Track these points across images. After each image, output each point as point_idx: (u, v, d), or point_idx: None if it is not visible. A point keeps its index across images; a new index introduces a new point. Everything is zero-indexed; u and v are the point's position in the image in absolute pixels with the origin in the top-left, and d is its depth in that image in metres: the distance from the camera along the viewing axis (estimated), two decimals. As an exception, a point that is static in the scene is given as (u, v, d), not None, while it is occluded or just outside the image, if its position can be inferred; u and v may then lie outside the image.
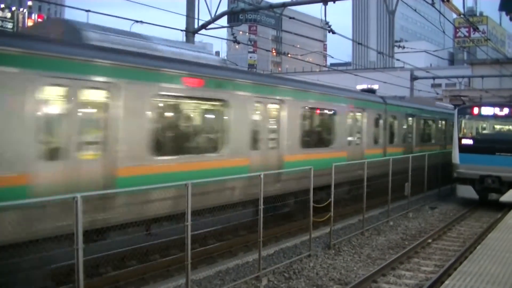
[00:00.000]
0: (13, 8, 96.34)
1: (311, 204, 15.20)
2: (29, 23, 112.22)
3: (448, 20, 27.69)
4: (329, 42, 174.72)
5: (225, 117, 15.02)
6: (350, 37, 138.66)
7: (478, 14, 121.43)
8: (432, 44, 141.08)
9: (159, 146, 12.85)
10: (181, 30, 22.88)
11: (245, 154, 15.48)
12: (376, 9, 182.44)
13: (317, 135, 20.99)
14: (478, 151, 24.76)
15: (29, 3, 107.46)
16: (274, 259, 14.69)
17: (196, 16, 22.88)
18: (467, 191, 25.00)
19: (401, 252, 15.74)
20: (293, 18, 22.16)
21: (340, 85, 26.07)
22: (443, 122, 33.12)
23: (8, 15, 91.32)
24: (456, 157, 25.35)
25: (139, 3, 20.91)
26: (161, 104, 13.35)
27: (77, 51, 11.18)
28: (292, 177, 17.18)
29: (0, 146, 9.61)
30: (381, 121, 25.18)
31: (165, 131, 13.78)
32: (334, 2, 21.31)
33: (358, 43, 38.79)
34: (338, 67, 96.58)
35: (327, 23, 22.14)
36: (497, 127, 27.80)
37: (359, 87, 30.03)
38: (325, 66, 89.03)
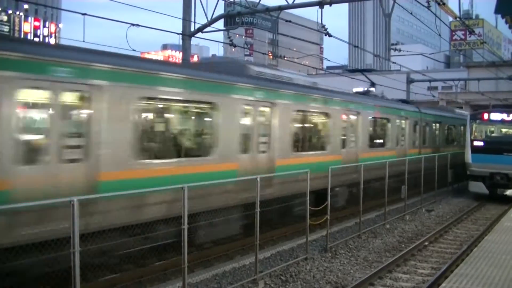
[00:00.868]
0: (9, 11, 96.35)
1: (308, 207, 15.19)
2: (25, 26, 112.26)
3: (444, 23, 27.78)
4: (326, 45, 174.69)
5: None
6: (347, 40, 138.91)
7: (474, 17, 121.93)
8: (428, 47, 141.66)
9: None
10: (178, 34, 22.91)
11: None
12: (373, 12, 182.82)
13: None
14: (488, 152, 28.11)
15: (26, 6, 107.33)
16: (271, 262, 14.68)
17: (192, 19, 22.88)
18: (478, 187, 28.29)
19: (398, 255, 15.74)
20: (290, 21, 22.20)
21: (338, 88, 26.27)
22: (462, 127, 36.27)
23: (5, 18, 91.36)
24: (468, 157, 28.66)
25: (135, 6, 20.96)
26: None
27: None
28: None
29: None
30: (417, 127, 30.06)
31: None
32: (330, 5, 21.31)
33: (355, 46, 38.85)
34: (334, 70, 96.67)
35: (323, 26, 22.11)
36: (504, 130, 31.04)
37: (355, 89, 30.11)
38: (321, 69, 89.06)
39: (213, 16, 23.54)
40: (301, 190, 15.96)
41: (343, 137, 21.78)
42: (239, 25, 33.29)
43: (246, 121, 16.19)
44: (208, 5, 23.77)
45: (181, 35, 23.15)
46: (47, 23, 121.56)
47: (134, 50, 19.74)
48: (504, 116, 29.17)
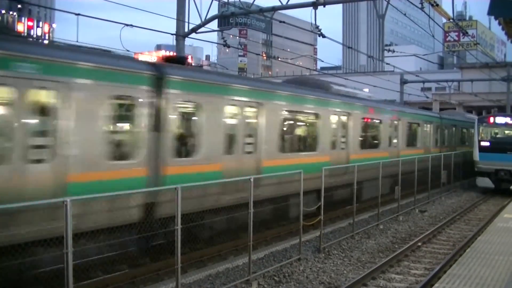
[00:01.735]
0: (3, 12, 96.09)
1: (301, 208, 15.20)
2: (19, 26, 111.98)
3: (438, 24, 27.89)
4: (319, 46, 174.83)
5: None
6: (340, 41, 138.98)
7: (467, 18, 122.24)
8: (422, 48, 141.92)
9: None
10: (171, 34, 22.91)
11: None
12: (366, 13, 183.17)
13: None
14: (493, 151, 32.09)
15: (19, 6, 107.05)
16: (264, 262, 14.68)
17: (186, 20, 22.88)
18: (485, 182, 32.29)
19: (391, 256, 15.75)
20: (283, 22, 22.21)
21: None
22: (472, 130, 38.58)
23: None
24: (476, 155, 32.69)
25: (129, 7, 20.94)
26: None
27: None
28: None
29: None
30: (439, 130, 35.53)
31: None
32: (324, 6, 21.35)
33: (348, 47, 38.95)
34: (328, 71, 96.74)
35: (317, 27, 22.16)
36: (508, 132, 34.56)
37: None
38: (315, 70, 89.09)
39: (207, 17, 23.57)
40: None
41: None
42: (233, 25, 33.23)
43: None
44: (202, 5, 23.79)
45: (175, 36, 23.15)
46: (40, 23, 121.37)
47: (128, 51, 19.72)
48: (507, 119, 33.63)
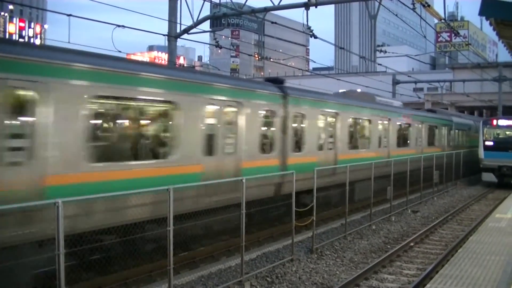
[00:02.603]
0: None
1: (293, 208, 15.20)
2: (10, 27, 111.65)
3: (429, 25, 28.00)
4: (312, 46, 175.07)
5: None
6: (333, 41, 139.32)
7: (459, 18, 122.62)
8: (414, 48, 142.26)
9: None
10: (163, 35, 22.88)
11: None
12: (358, 14, 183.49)
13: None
14: (497, 149, 36.36)
15: (10, 7, 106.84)
16: (257, 263, 14.68)
17: (178, 21, 22.86)
18: (489, 177, 36.89)
19: (383, 256, 15.78)
20: (275, 23, 22.21)
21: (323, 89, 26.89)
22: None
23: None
24: (481, 153, 36.98)
25: (121, 8, 20.90)
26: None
27: None
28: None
29: None
30: (452, 132, 40.08)
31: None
32: (316, 7, 21.38)
33: (340, 48, 38.96)
34: (320, 71, 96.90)
35: (309, 27, 22.20)
36: (509, 133, 38.84)
37: (341, 91, 30.33)
38: (307, 71, 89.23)
39: (199, 18, 23.57)
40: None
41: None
42: (225, 26, 33.23)
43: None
44: (194, 6, 23.79)
45: (167, 37, 23.13)
46: (32, 24, 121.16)
47: (120, 52, 19.66)
48: (509, 122, 38.09)
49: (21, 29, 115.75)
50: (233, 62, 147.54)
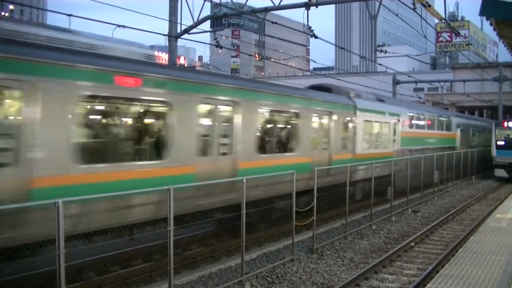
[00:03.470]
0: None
1: (294, 208, 15.20)
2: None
3: (430, 25, 27.99)
4: (312, 46, 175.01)
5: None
6: (333, 41, 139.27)
7: (459, 18, 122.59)
8: (414, 48, 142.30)
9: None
10: (164, 35, 22.88)
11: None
12: (359, 14, 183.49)
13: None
14: (508, 148, 40.96)
15: (11, 7, 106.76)
16: (257, 263, 14.68)
17: (178, 21, 22.86)
18: (501, 172, 41.45)
19: (384, 256, 15.77)
20: (276, 22, 22.20)
21: None
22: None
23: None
24: (494, 151, 41.78)
25: (121, 8, 20.89)
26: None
27: None
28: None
29: None
30: (470, 133, 45.86)
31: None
32: (316, 7, 21.38)
33: (341, 48, 38.96)
34: (320, 72, 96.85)
35: (309, 27, 22.20)
36: None
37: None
38: (307, 71, 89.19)
39: (199, 18, 23.57)
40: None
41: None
42: (225, 26, 33.19)
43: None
44: (194, 6, 23.80)
45: (167, 37, 23.13)
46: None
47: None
48: None
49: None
50: (233, 62, 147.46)
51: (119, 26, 19.77)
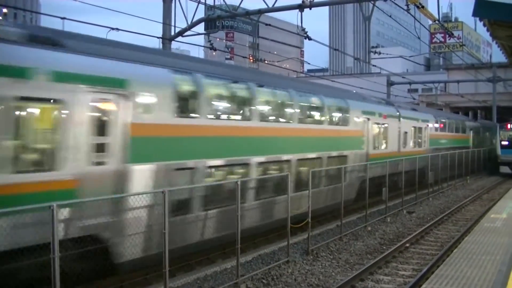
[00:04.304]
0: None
1: (289, 210, 15.20)
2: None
3: (424, 26, 28.13)
4: (306, 48, 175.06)
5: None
6: (327, 43, 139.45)
7: (453, 19, 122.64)
8: (408, 49, 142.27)
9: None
10: (158, 38, 22.89)
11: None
12: (353, 15, 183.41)
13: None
14: (510, 147, 46.07)
15: (4, 10, 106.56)
16: (253, 265, 14.69)
17: (172, 23, 22.87)
18: (505, 169, 48.42)
19: (379, 257, 15.79)
20: (269, 24, 22.24)
21: None
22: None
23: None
24: (499, 150, 47.19)
25: (115, 11, 20.89)
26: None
27: None
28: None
29: None
30: (480, 134, 51.77)
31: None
32: (310, 9, 21.43)
33: (335, 49, 39.03)
34: (315, 73, 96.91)
35: (303, 29, 22.24)
36: None
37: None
38: (302, 72, 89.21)
39: (193, 20, 23.58)
40: None
41: None
42: (219, 29, 33.10)
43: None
44: (188, 9, 23.78)
45: (161, 39, 23.13)
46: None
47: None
48: None
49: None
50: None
51: (113, 29, 19.78)
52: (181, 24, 23.11)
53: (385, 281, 13.92)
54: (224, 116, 16.26)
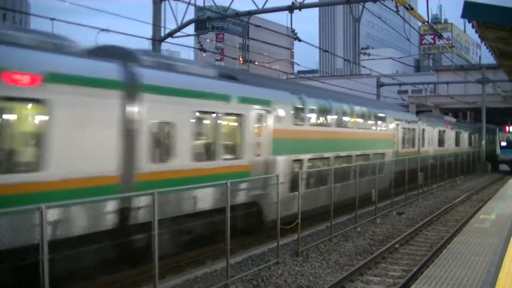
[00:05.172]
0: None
1: (278, 213, 15.21)
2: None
3: (413, 28, 28.28)
4: (296, 49, 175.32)
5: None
6: (317, 44, 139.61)
7: (442, 21, 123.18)
8: (398, 51, 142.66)
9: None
10: (148, 39, 22.88)
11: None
12: (343, 16, 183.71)
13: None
14: (508, 148, 51.71)
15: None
16: (242, 266, 14.68)
17: (162, 25, 22.86)
18: (504, 167, 54.03)
19: (368, 258, 15.83)
20: (259, 26, 22.26)
21: None
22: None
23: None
24: (498, 150, 52.90)
25: (104, 12, 20.85)
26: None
27: None
28: None
29: None
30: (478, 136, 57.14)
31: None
32: (300, 10, 21.48)
33: (325, 51, 39.09)
34: (305, 74, 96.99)
35: (293, 30, 22.28)
36: None
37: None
38: (292, 74, 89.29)
39: (183, 21, 23.57)
40: None
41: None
42: (209, 30, 33.08)
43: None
44: (178, 10, 23.78)
45: (151, 40, 23.11)
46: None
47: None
48: None
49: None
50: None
51: (103, 30, 19.76)
52: (171, 25, 23.18)
53: (375, 282, 13.95)
54: (315, 123, 22.52)
